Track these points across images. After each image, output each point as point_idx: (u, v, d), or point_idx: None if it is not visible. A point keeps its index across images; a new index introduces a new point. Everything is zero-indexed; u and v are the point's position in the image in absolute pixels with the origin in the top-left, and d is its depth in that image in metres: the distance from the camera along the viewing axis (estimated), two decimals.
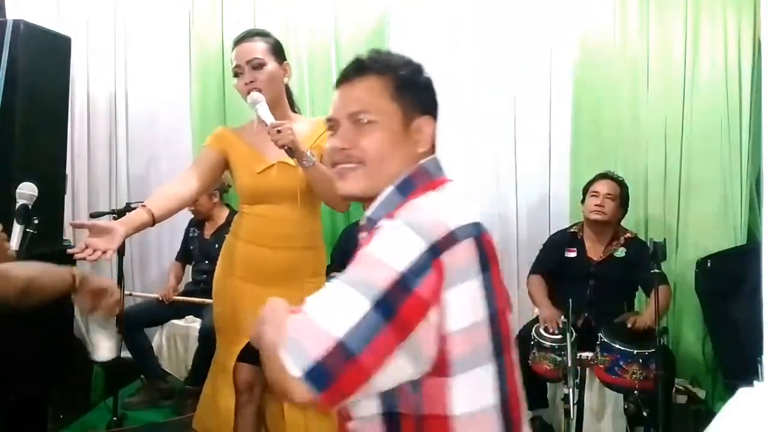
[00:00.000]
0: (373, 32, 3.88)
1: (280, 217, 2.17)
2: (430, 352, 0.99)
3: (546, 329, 3.02)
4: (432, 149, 1.19)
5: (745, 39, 3.52)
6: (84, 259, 1.79)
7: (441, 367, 1.00)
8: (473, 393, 1.03)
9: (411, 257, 0.97)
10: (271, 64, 2.15)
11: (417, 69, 1.20)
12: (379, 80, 1.15)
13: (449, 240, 1.00)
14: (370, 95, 1.15)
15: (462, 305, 1.00)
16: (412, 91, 1.16)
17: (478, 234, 1.06)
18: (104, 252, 1.78)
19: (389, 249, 0.99)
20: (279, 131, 1.99)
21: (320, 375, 0.91)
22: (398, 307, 0.95)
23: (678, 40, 3.62)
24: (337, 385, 0.92)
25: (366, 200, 1.17)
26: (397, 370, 0.96)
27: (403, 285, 0.96)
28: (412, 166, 1.15)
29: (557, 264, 3.34)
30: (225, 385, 2.20)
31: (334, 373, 0.91)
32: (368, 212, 1.15)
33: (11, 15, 3.29)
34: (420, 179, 1.14)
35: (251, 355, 2.18)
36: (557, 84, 3.85)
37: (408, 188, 1.13)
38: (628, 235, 3.31)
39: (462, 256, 1.01)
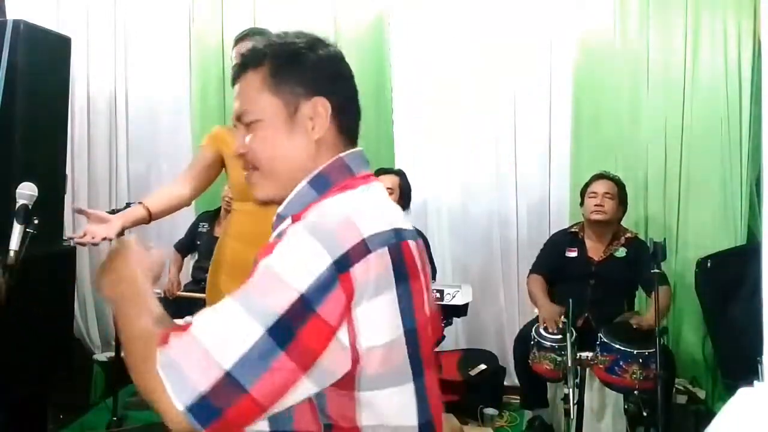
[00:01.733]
0: (373, 32, 3.88)
1: (267, 214, 2.16)
2: (342, 371, 0.91)
3: (546, 329, 3.02)
4: (347, 138, 1.08)
5: (745, 39, 3.53)
6: (84, 244, 1.92)
7: (348, 382, 0.92)
8: (386, 412, 0.95)
9: (314, 273, 0.88)
10: None
11: (297, 50, 1.05)
12: (255, 74, 1.05)
13: (360, 250, 0.91)
14: (248, 93, 1.06)
15: (375, 322, 0.92)
16: (292, 75, 1.04)
17: (396, 242, 0.96)
18: (103, 238, 1.91)
19: (290, 264, 0.89)
20: None
21: (205, 410, 0.84)
22: (297, 332, 0.86)
23: (678, 40, 3.62)
24: (224, 420, 0.84)
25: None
26: (302, 392, 0.89)
27: (303, 307, 0.86)
28: (320, 156, 1.04)
29: (558, 264, 3.34)
30: None
31: (221, 407, 0.84)
32: (280, 209, 1.06)
33: (11, 15, 3.29)
34: (337, 175, 1.04)
35: None
36: (557, 84, 3.85)
37: (323, 184, 1.03)
38: (629, 235, 3.31)
39: (374, 268, 0.92)
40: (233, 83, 1.10)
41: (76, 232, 3.91)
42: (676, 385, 3.24)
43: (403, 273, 0.96)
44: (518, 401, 3.42)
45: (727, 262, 3.33)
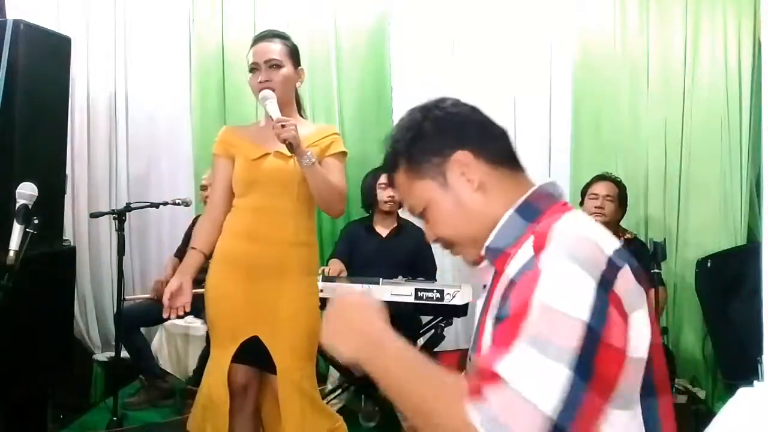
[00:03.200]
0: (373, 32, 3.89)
1: (271, 209, 2.16)
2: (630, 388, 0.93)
3: None
4: (505, 164, 1.11)
5: (745, 39, 3.53)
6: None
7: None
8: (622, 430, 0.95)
9: (587, 300, 0.88)
10: (287, 67, 2.18)
11: (414, 129, 1.10)
12: (398, 175, 1.12)
13: (612, 268, 0.92)
14: (404, 191, 1.13)
15: (638, 335, 0.92)
16: (423, 154, 1.09)
17: (628, 259, 0.97)
18: (185, 305, 2.16)
19: (562, 295, 0.89)
20: (282, 126, 2.00)
21: None
22: (595, 363, 0.86)
23: (678, 40, 3.62)
24: None
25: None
26: (603, 419, 0.90)
27: (592, 336, 0.87)
28: (493, 195, 1.07)
29: None
30: (220, 386, 2.19)
31: None
32: (489, 242, 1.06)
33: (11, 15, 3.29)
34: (544, 202, 1.07)
35: (246, 355, 2.18)
36: (557, 84, 3.85)
37: (532, 212, 1.05)
38: (628, 236, 3.31)
39: (626, 283, 0.93)
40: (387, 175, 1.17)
41: (75, 238, 3.94)
42: (676, 385, 3.24)
43: (643, 287, 0.96)
44: None
45: (727, 262, 3.33)
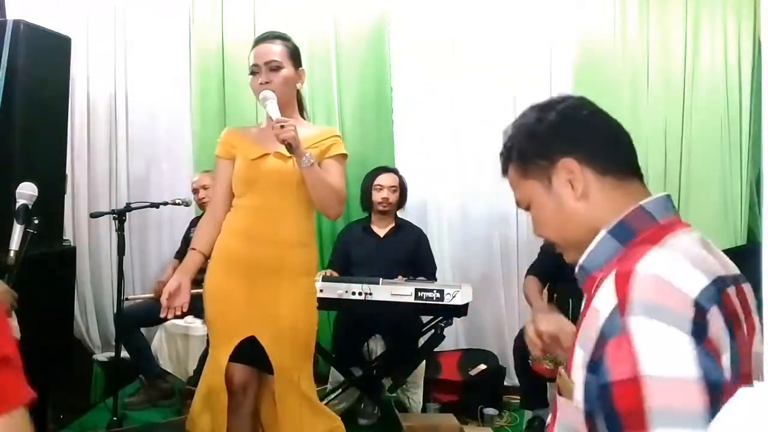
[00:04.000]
0: (373, 32, 3.88)
1: (270, 209, 2.16)
2: None
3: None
4: (616, 175, 1.10)
5: (745, 39, 3.53)
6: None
7: None
8: None
9: (691, 356, 0.87)
10: (288, 69, 2.18)
11: (527, 127, 1.12)
12: (512, 168, 1.15)
13: (701, 314, 0.90)
14: (514, 185, 1.15)
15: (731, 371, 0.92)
16: (532, 154, 1.10)
17: (719, 295, 0.94)
18: (182, 305, 2.15)
19: (666, 361, 0.88)
20: (282, 126, 2.00)
21: None
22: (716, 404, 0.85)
23: (678, 40, 3.62)
24: None
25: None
26: None
27: (713, 389, 0.86)
28: (595, 206, 1.07)
29: (555, 266, 3.33)
30: (219, 386, 2.18)
31: None
32: (581, 260, 1.08)
33: (11, 15, 3.29)
34: (640, 223, 1.04)
35: (244, 354, 2.17)
36: (557, 84, 3.85)
37: (626, 234, 1.03)
38: None
39: (717, 326, 0.91)
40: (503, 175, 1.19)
41: (75, 238, 3.94)
42: None
43: (731, 327, 0.94)
44: (518, 401, 3.42)
45: None
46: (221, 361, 2.18)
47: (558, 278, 3.32)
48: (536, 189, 1.11)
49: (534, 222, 1.15)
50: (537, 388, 3.17)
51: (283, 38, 2.24)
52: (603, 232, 1.05)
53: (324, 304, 2.79)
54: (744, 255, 3.21)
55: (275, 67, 2.15)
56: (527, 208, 1.15)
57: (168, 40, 4.16)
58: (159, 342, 3.80)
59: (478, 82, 3.86)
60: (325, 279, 3.09)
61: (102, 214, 3.38)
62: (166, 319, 3.75)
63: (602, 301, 0.96)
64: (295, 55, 2.23)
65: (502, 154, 1.17)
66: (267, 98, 2.11)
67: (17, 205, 2.08)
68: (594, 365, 0.94)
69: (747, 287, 1.05)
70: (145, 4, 4.15)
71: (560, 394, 1.04)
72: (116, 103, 4.17)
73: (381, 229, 3.55)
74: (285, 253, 2.17)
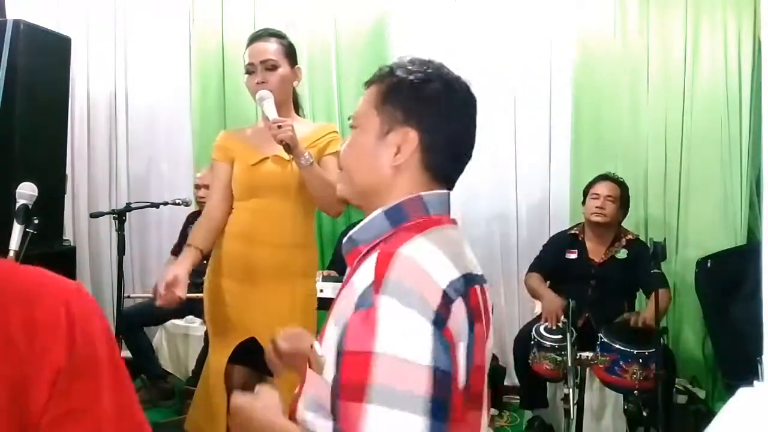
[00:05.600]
0: (373, 32, 3.88)
1: (270, 212, 2.15)
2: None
3: (546, 328, 3.02)
4: (434, 176, 1.10)
5: (745, 39, 3.53)
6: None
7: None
8: None
9: (427, 343, 0.91)
10: (284, 67, 2.16)
11: (415, 79, 1.10)
12: (375, 87, 1.13)
13: (445, 303, 0.95)
14: (363, 101, 1.14)
15: (462, 364, 0.97)
16: (398, 101, 1.09)
17: (466, 290, 0.99)
18: (180, 298, 2.08)
19: (402, 343, 0.91)
20: (279, 126, 1.99)
21: None
22: (448, 402, 0.91)
23: (678, 40, 3.62)
24: None
25: (357, 205, 1.16)
26: None
27: (441, 379, 0.90)
28: (396, 183, 1.08)
29: (557, 265, 3.34)
30: (218, 387, 2.18)
31: None
32: (352, 231, 1.10)
33: (11, 15, 3.29)
34: (414, 211, 1.07)
35: (244, 356, 2.17)
36: (557, 84, 3.85)
37: (398, 217, 1.06)
38: (630, 236, 3.31)
39: (458, 316, 0.96)
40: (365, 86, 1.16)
41: (75, 238, 3.93)
42: (676, 385, 3.24)
43: (471, 321, 0.99)
44: (518, 401, 3.42)
45: (727, 262, 3.33)
46: (220, 362, 2.18)
47: (561, 279, 3.33)
48: (373, 126, 1.11)
49: (347, 145, 1.16)
50: (537, 388, 3.17)
51: (279, 36, 2.21)
52: (379, 211, 1.07)
53: (324, 304, 2.79)
54: (744, 255, 3.22)
55: (271, 66, 2.13)
56: (352, 127, 1.16)
57: (168, 40, 4.16)
58: (159, 342, 3.80)
59: (478, 82, 3.85)
60: (325, 279, 3.08)
61: (102, 214, 3.37)
62: (166, 319, 3.76)
63: (361, 277, 0.99)
64: (290, 53, 2.20)
65: (383, 74, 1.14)
66: (263, 98, 2.09)
67: (17, 205, 2.08)
68: (341, 338, 0.97)
69: (486, 289, 1.10)
70: (145, 4, 4.15)
71: (310, 367, 1.06)
72: (116, 102, 4.18)
73: None
74: (285, 255, 2.16)
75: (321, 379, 1.00)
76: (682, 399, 3.37)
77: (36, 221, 2.11)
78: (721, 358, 3.38)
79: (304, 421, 1.03)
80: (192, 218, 3.86)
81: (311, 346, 1.07)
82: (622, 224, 3.36)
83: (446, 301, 0.95)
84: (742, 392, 1.37)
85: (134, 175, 4.24)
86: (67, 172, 3.31)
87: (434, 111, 1.09)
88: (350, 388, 0.91)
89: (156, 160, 4.27)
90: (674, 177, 3.64)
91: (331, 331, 1.01)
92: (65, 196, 3.30)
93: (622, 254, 3.25)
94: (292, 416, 1.09)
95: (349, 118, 1.17)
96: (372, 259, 0.99)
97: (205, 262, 2.28)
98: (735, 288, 3.12)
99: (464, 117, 1.14)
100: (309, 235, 2.26)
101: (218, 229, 2.22)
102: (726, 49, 3.55)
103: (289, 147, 2.01)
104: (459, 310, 0.96)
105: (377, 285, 0.95)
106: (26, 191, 2.12)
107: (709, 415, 3.04)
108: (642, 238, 3.44)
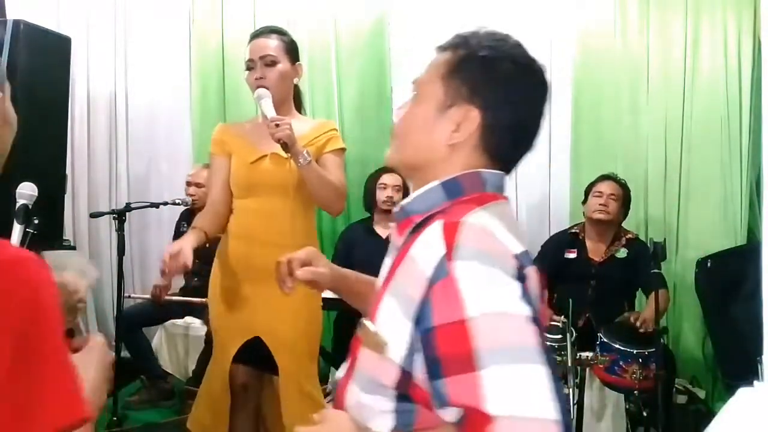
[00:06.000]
0: (373, 32, 3.89)
1: (270, 211, 2.14)
2: None
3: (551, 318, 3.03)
4: (491, 159, 1.05)
5: (745, 39, 3.53)
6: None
7: None
8: None
9: (517, 295, 0.89)
10: (284, 63, 2.14)
11: (489, 54, 1.02)
12: (444, 56, 1.06)
13: (520, 267, 0.93)
14: (430, 68, 1.07)
15: None
16: (468, 75, 1.02)
17: (529, 262, 0.97)
18: (185, 268, 2.01)
19: (495, 299, 0.88)
20: (277, 125, 1.99)
21: None
22: (543, 347, 0.89)
23: (678, 40, 3.62)
24: None
25: (406, 175, 1.11)
26: None
27: (537, 327, 0.89)
28: (451, 160, 1.03)
29: (556, 265, 3.34)
30: (221, 386, 2.18)
31: None
32: (405, 201, 1.06)
33: (11, 15, 3.29)
34: (471, 186, 1.03)
35: (247, 355, 2.17)
36: (557, 84, 3.84)
37: (455, 191, 1.02)
38: (630, 236, 3.31)
39: (533, 282, 0.95)
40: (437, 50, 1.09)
41: (75, 238, 3.93)
42: (676, 385, 3.24)
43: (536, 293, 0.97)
44: None
45: (727, 262, 3.33)
46: (225, 362, 2.18)
47: (560, 278, 3.33)
48: (436, 96, 1.04)
49: (406, 112, 1.09)
50: None
51: (280, 32, 2.20)
52: (436, 183, 1.03)
53: (325, 304, 2.79)
54: (744, 255, 3.22)
55: (270, 62, 2.12)
56: (413, 92, 1.09)
57: (168, 40, 4.16)
58: (159, 342, 3.80)
59: None
60: None
61: (102, 214, 3.38)
62: (166, 320, 3.76)
63: (424, 250, 0.95)
64: (291, 50, 2.19)
65: (457, 43, 1.06)
66: (262, 96, 2.08)
67: (17, 205, 2.08)
68: (421, 316, 0.92)
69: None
70: (145, 4, 4.15)
71: (365, 346, 1.00)
72: (116, 102, 4.18)
73: (384, 230, 3.54)
74: (285, 255, 2.16)
75: (380, 358, 0.95)
76: (682, 399, 3.37)
77: (36, 221, 2.10)
78: (721, 358, 3.38)
79: (361, 405, 0.98)
80: (185, 216, 3.84)
81: (362, 323, 1.02)
82: (622, 224, 3.36)
83: (520, 264, 0.93)
84: (742, 392, 1.37)
85: (134, 175, 4.24)
86: (67, 172, 3.31)
87: (501, 92, 1.02)
88: (455, 361, 0.86)
89: (156, 160, 4.27)
90: (674, 177, 3.65)
91: (390, 305, 0.97)
92: (65, 196, 3.30)
93: (622, 253, 3.25)
94: (339, 402, 1.04)
95: (413, 92, 1.09)
96: (431, 229, 0.96)
97: (196, 261, 2.26)
98: (735, 288, 3.12)
99: (532, 103, 1.06)
100: (310, 235, 2.25)
101: (223, 223, 2.21)
102: (726, 49, 3.55)
103: (287, 146, 2.00)
104: (532, 277, 0.94)
105: (449, 252, 0.91)
106: (26, 191, 2.11)
107: (709, 415, 3.04)
108: (642, 238, 3.44)
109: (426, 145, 1.05)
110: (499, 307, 0.87)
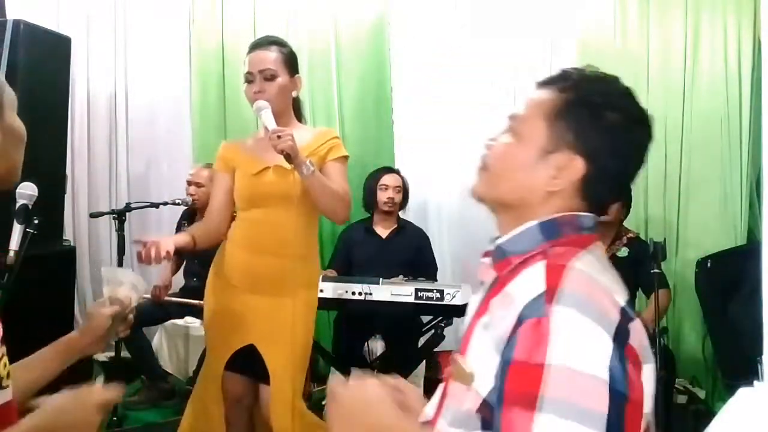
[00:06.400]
0: (373, 32, 3.88)
1: (273, 222, 2.14)
2: None
3: None
4: (589, 205, 1.02)
5: (745, 39, 3.53)
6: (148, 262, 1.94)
7: None
8: None
9: (606, 358, 0.85)
10: (283, 77, 2.12)
11: (600, 103, 0.99)
12: (551, 94, 1.02)
13: (625, 319, 0.89)
14: (533, 104, 1.04)
15: (647, 389, 0.90)
16: (575, 121, 0.99)
17: (633, 315, 0.93)
18: (168, 251, 1.94)
19: (579, 355, 0.85)
20: (279, 137, 1.97)
21: None
22: (623, 422, 0.84)
23: (678, 40, 3.62)
24: None
25: (494, 209, 1.08)
26: None
27: (617, 397, 0.84)
28: (547, 204, 1.01)
29: None
30: (215, 393, 2.17)
31: None
32: (501, 240, 1.04)
33: (11, 15, 3.29)
34: (568, 228, 1.00)
35: (241, 364, 2.16)
36: None
37: (553, 232, 1.00)
38: (631, 234, 3.31)
39: (640, 336, 0.90)
40: (538, 86, 1.06)
41: (75, 238, 3.92)
42: (676, 385, 3.24)
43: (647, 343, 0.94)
44: None
45: (727, 262, 3.33)
46: (217, 369, 2.17)
47: None
48: (538, 137, 1.01)
49: (501, 143, 1.05)
50: None
51: (279, 44, 2.18)
52: (534, 222, 1.01)
53: (324, 304, 2.79)
54: (744, 255, 3.22)
55: (270, 76, 2.10)
56: (508, 131, 1.05)
57: (168, 40, 4.16)
58: (159, 342, 3.80)
59: (478, 82, 3.86)
60: (325, 279, 3.09)
61: (102, 214, 3.38)
62: (166, 320, 3.76)
63: (522, 288, 0.94)
64: (290, 62, 2.17)
65: (566, 85, 1.02)
66: (261, 108, 2.07)
67: (17, 205, 2.08)
68: (507, 347, 0.91)
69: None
70: (145, 4, 4.15)
71: (454, 380, 0.99)
72: (116, 102, 4.17)
73: (384, 230, 3.54)
74: (286, 266, 2.15)
75: (469, 391, 0.95)
76: (682, 399, 3.37)
77: (36, 221, 2.11)
78: (721, 358, 3.38)
79: None
80: (186, 216, 3.85)
81: (454, 359, 1.02)
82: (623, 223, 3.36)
83: (626, 318, 0.89)
84: (742, 392, 1.37)
85: (134, 175, 4.23)
86: (67, 172, 3.31)
87: (609, 142, 0.99)
88: (519, 397, 0.86)
89: (156, 160, 4.27)
90: (674, 177, 3.65)
91: (481, 339, 0.97)
92: (65, 196, 3.29)
93: (624, 252, 3.25)
94: None
95: (513, 117, 1.06)
96: (533, 270, 0.95)
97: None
98: (735, 288, 3.12)
99: (638, 154, 1.02)
100: (311, 246, 2.25)
101: (217, 234, 2.21)
102: (726, 49, 3.56)
103: (290, 157, 1.99)
104: (639, 330, 0.90)
105: (550, 295, 0.89)
106: (26, 191, 2.11)
107: (709, 415, 3.03)
108: (642, 237, 3.44)
109: (522, 186, 1.02)
110: (581, 366, 0.85)
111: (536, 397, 0.84)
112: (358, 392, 0.98)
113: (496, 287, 1.01)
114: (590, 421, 0.82)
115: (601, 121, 0.98)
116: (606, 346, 0.86)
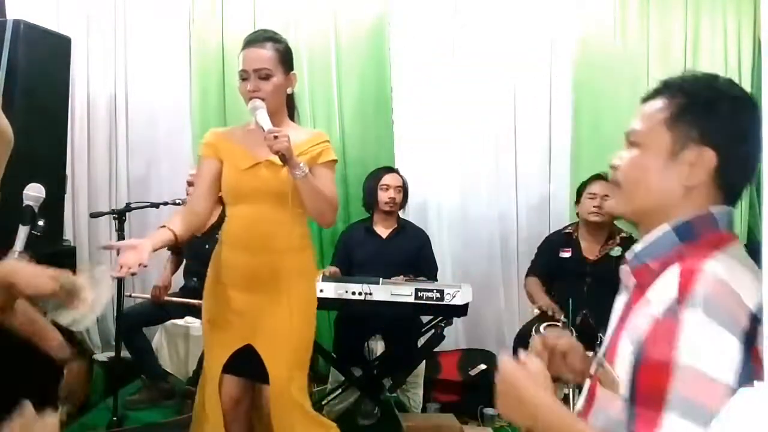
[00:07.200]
0: (373, 32, 3.88)
1: (260, 218, 2.13)
2: None
3: (552, 316, 3.03)
4: (725, 194, 1.06)
5: (745, 39, 3.54)
6: (123, 277, 1.96)
7: None
8: None
9: (734, 364, 0.89)
10: (277, 76, 2.11)
11: (713, 97, 1.06)
12: (662, 103, 1.08)
13: (755, 324, 0.91)
14: (648, 115, 1.09)
15: None
16: (695, 118, 1.05)
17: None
18: (139, 265, 1.86)
19: (706, 358, 0.90)
20: (275, 137, 1.97)
21: None
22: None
23: (678, 40, 3.63)
24: None
25: (635, 221, 1.12)
26: None
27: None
28: (686, 203, 1.05)
29: (551, 265, 3.35)
30: (213, 395, 2.17)
31: None
32: (638, 247, 1.09)
33: (11, 15, 3.29)
34: (704, 227, 1.04)
35: (239, 365, 2.15)
36: (557, 84, 3.85)
37: (688, 234, 1.04)
38: (624, 234, 3.32)
39: None
40: (643, 99, 1.11)
41: (75, 238, 3.93)
42: None
43: None
44: None
45: None
46: (215, 371, 2.17)
47: (556, 277, 3.34)
48: (662, 144, 1.06)
49: (630, 161, 1.10)
50: None
51: (275, 40, 2.16)
52: (666, 227, 1.05)
53: (324, 304, 2.79)
54: None
55: (265, 76, 2.09)
56: (632, 144, 1.10)
57: (168, 40, 4.16)
58: (159, 342, 3.80)
59: (478, 82, 3.86)
60: (325, 279, 3.09)
61: (102, 214, 3.37)
62: (166, 320, 3.76)
63: (659, 293, 0.98)
64: (286, 60, 2.15)
65: (671, 92, 1.09)
66: (257, 108, 2.06)
67: (23, 206, 2.07)
68: (642, 349, 0.96)
69: None
70: (145, 4, 4.15)
71: (602, 385, 1.05)
72: (116, 103, 4.17)
73: (384, 230, 3.54)
74: (281, 261, 2.14)
75: (617, 397, 1.00)
76: None
77: (41, 223, 2.09)
78: None
79: None
80: None
81: (601, 364, 1.08)
82: (615, 223, 3.36)
83: (755, 322, 0.92)
84: (742, 392, 1.37)
85: (134, 176, 4.23)
86: (67, 172, 3.31)
87: (730, 129, 1.05)
88: (648, 395, 0.92)
89: (156, 160, 4.27)
90: None
91: (626, 347, 1.01)
92: (65, 196, 3.29)
93: (617, 252, 3.26)
94: None
95: (632, 134, 1.10)
96: (669, 274, 0.99)
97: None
98: None
99: (757, 134, 1.05)
100: (304, 238, 2.24)
101: (199, 223, 2.19)
102: (726, 49, 3.56)
103: (285, 158, 1.98)
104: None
105: (682, 298, 0.94)
106: (32, 192, 2.10)
107: None
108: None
109: (658, 189, 1.06)
110: (706, 368, 0.89)
111: (663, 395, 0.90)
112: (520, 369, 1.09)
113: (638, 293, 1.05)
114: (703, 419, 0.87)
115: (717, 112, 1.05)
116: (733, 350, 0.90)
